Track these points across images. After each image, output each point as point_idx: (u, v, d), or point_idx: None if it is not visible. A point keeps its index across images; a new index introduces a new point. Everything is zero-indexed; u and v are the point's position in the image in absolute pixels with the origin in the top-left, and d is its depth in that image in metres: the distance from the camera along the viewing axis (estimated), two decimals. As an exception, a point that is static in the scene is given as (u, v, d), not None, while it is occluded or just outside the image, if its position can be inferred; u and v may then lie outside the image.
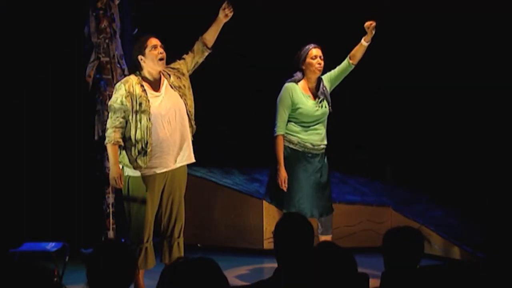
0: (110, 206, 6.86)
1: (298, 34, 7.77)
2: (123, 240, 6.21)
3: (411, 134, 8.73)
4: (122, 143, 5.62)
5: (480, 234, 7.18)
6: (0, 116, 7.83)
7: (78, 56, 7.21)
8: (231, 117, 9.01)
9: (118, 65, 6.99)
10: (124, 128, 5.64)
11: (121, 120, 5.61)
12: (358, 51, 6.42)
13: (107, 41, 6.93)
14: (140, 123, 5.59)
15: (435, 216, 7.70)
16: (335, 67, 6.50)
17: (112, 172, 5.60)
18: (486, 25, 8.24)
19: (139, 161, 5.62)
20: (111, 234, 6.81)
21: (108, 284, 3.14)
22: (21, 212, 7.73)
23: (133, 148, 5.62)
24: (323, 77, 6.45)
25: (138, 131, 5.59)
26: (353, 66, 6.44)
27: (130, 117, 5.61)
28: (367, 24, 6.35)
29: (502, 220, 7.27)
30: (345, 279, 3.08)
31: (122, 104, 5.61)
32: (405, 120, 8.76)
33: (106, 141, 5.63)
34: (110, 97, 6.38)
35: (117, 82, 6.87)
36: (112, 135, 5.61)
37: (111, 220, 6.85)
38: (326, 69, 6.45)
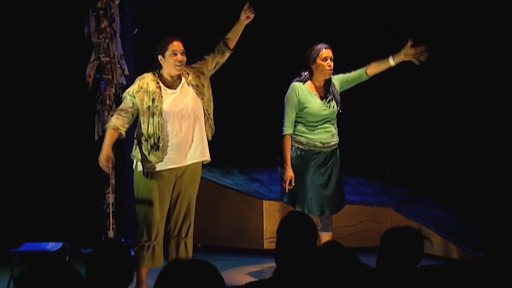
0: (110, 206, 6.86)
1: (300, 35, 7.78)
2: (123, 240, 6.22)
3: (411, 134, 8.73)
4: (122, 131, 5.66)
5: (480, 234, 7.17)
6: (0, 116, 7.83)
7: (78, 56, 7.21)
8: (232, 117, 9.00)
9: (118, 65, 6.99)
10: (130, 119, 5.68)
11: (128, 109, 5.66)
12: (380, 67, 6.33)
13: (107, 41, 6.93)
14: (153, 118, 5.63)
15: (435, 216, 7.69)
16: (348, 69, 6.43)
17: (101, 155, 5.64)
18: (485, 25, 8.23)
19: (152, 156, 5.64)
20: (111, 234, 6.81)
21: (107, 284, 3.14)
22: (21, 212, 7.74)
23: (146, 143, 5.66)
24: (334, 77, 6.39)
25: (150, 126, 5.64)
26: (367, 78, 6.38)
27: (142, 112, 5.66)
28: (417, 49, 6.24)
29: (502, 220, 7.27)
30: (349, 279, 3.07)
31: (132, 95, 5.68)
32: (405, 120, 8.75)
33: (107, 125, 5.70)
34: (110, 97, 6.38)
35: (117, 82, 6.91)
36: (114, 120, 5.69)
37: (111, 220, 6.84)
38: (337, 69, 6.38)
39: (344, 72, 6.46)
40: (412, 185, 8.45)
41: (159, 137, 5.62)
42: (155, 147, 5.64)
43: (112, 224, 6.86)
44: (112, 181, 6.85)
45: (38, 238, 6.43)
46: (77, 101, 7.57)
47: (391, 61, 6.31)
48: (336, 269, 3.07)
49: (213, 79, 6.04)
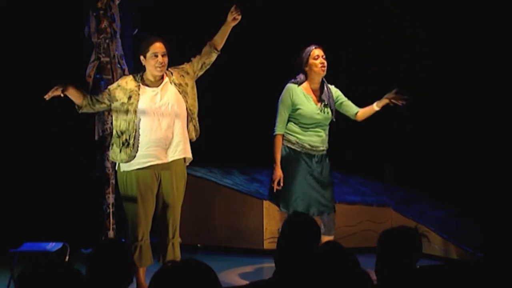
0: (110, 206, 6.86)
1: (299, 34, 7.79)
2: (123, 240, 6.21)
3: (411, 134, 8.73)
4: (87, 96, 5.78)
5: (480, 234, 7.18)
6: (1, 116, 7.83)
7: (78, 56, 7.22)
8: (232, 117, 9.01)
9: (118, 65, 6.99)
10: (98, 99, 5.77)
11: (101, 95, 5.80)
12: (367, 113, 6.42)
13: (107, 41, 6.92)
14: (126, 115, 5.67)
15: (435, 216, 7.70)
16: (348, 69, 6.45)
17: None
18: (484, 25, 8.24)
19: (122, 153, 5.68)
20: (111, 234, 6.81)
21: (107, 284, 3.14)
22: (21, 212, 7.74)
23: (118, 140, 5.71)
24: (333, 90, 6.42)
25: (122, 122, 5.68)
26: (354, 119, 6.46)
27: (116, 109, 5.72)
28: (397, 98, 6.29)
29: (502, 220, 7.27)
30: (349, 279, 3.07)
31: (109, 89, 5.80)
32: (405, 120, 8.75)
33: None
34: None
35: (117, 82, 6.92)
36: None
37: (111, 220, 6.84)
38: (338, 69, 6.39)
39: (343, 84, 6.49)
40: (412, 185, 8.45)
41: (130, 134, 5.65)
42: (126, 143, 5.66)
43: (112, 224, 6.86)
44: (112, 181, 6.85)
45: (38, 238, 6.43)
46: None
47: (375, 108, 6.40)
48: (335, 270, 3.07)
49: (214, 80, 6.04)
